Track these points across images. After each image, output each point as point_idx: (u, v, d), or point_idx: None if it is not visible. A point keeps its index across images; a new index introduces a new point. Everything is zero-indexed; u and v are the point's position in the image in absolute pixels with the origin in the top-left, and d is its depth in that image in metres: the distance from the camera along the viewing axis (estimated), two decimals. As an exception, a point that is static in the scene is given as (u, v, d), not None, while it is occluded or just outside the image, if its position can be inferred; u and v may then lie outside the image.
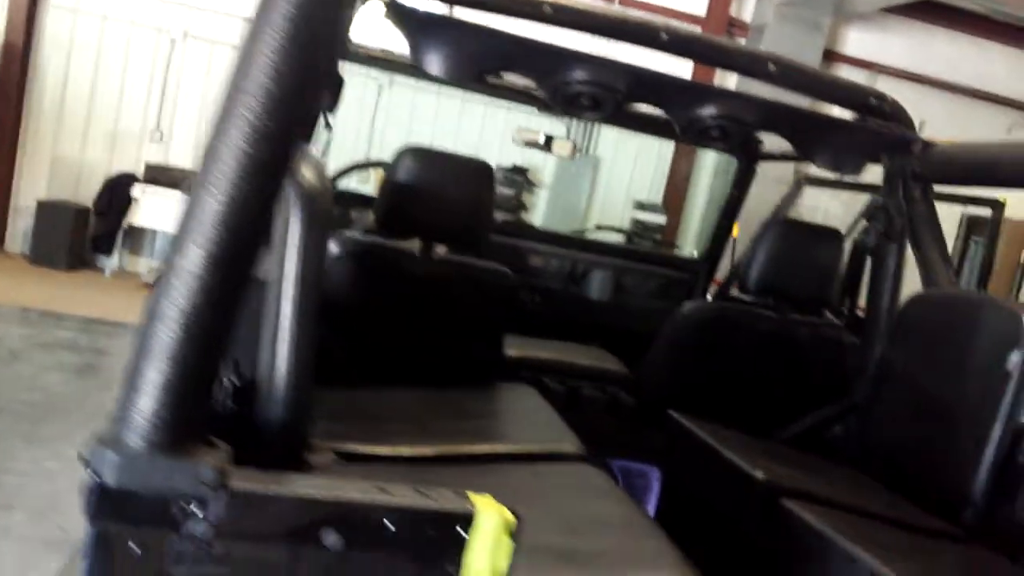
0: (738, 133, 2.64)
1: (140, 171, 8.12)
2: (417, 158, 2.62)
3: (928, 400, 2.40)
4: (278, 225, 1.19)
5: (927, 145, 2.68)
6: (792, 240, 3.03)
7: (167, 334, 0.93)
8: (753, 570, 2.10)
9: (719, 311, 3.18)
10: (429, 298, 2.71)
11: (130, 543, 0.91)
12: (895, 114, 2.65)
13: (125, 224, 8.06)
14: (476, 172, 2.69)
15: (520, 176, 8.45)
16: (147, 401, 0.93)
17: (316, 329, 1.21)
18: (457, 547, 0.96)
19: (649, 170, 8.90)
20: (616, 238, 6.02)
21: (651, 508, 2.92)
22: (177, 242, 0.95)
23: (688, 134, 2.65)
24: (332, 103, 2.42)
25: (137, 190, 7.95)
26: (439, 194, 2.62)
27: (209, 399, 1.03)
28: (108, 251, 8.16)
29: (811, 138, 2.84)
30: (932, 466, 2.30)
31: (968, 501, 2.10)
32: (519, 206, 8.36)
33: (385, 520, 0.95)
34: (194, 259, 0.94)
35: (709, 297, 4.00)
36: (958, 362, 2.30)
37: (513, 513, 0.99)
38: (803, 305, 3.09)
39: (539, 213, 8.65)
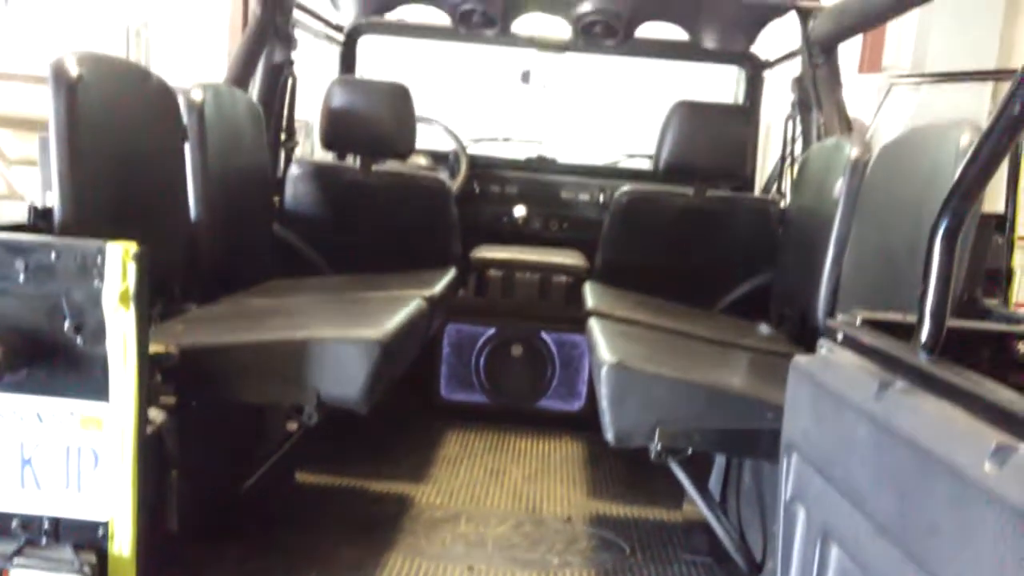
0: (621, 25, 3.23)
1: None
2: (344, 86, 3.44)
3: (805, 245, 2.74)
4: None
5: (811, 11, 3.01)
6: (693, 120, 3.33)
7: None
8: None
9: (633, 195, 3.48)
10: (375, 205, 3.49)
11: None
12: None
13: None
14: (395, 93, 3.43)
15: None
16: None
17: None
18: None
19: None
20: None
21: (584, 372, 3.60)
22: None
23: (580, 34, 3.27)
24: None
25: None
26: (367, 114, 3.37)
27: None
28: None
29: (697, 20, 3.31)
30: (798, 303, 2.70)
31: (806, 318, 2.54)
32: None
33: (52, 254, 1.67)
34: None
35: None
36: (820, 197, 2.65)
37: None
38: (720, 181, 3.44)
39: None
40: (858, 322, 1.46)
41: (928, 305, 1.28)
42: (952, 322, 1.30)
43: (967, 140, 1.85)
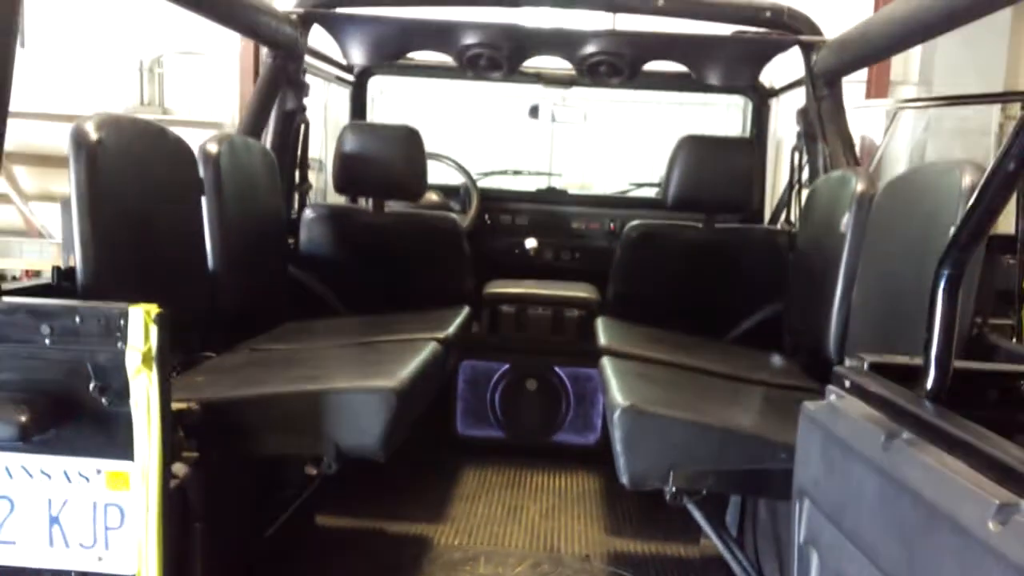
0: (625, 65, 3.33)
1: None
2: (356, 131, 3.49)
3: (815, 276, 2.74)
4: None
5: (813, 45, 3.06)
6: (699, 154, 3.39)
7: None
8: None
9: (643, 229, 3.53)
10: (388, 245, 3.56)
11: None
12: (794, 22, 3.13)
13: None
14: (405, 137, 3.49)
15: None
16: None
17: None
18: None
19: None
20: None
21: (598, 406, 3.63)
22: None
23: (585, 74, 3.37)
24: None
25: None
26: (378, 158, 3.44)
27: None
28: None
29: (700, 58, 3.39)
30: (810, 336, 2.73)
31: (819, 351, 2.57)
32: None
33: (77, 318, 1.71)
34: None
35: None
36: (827, 230, 2.68)
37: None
38: (728, 212, 3.49)
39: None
40: (865, 367, 1.49)
41: (933, 352, 1.30)
42: (958, 363, 1.32)
43: (968, 181, 1.88)
